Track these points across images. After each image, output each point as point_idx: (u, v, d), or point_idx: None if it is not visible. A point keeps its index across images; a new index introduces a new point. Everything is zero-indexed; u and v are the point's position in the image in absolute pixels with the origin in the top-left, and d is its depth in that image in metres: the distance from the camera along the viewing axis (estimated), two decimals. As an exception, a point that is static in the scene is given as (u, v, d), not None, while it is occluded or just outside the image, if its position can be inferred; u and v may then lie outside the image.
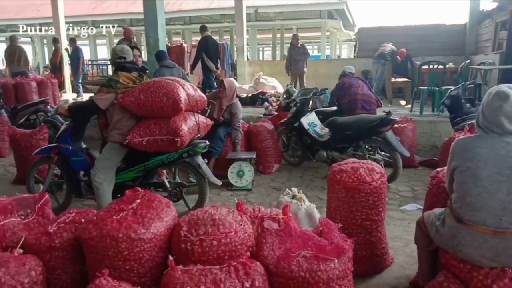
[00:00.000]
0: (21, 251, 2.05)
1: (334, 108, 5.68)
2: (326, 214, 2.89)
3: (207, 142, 3.83)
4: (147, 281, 1.98)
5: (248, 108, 8.18)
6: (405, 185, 4.84)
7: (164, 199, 2.29)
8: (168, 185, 3.85)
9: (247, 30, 14.08)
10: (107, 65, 18.09)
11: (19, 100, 8.38)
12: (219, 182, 3.95)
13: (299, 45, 10.23)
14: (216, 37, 20.35)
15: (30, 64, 10.63)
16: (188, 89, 3.58)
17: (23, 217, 2.54)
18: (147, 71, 4.16)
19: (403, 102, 9.26)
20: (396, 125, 5.13)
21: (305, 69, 10.33)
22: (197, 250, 1.92)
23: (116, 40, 24.98)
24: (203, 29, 8.46)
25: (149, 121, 3.44)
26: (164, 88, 3.37)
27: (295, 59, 10.16)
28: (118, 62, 3.73)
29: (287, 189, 2.80)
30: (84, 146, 4.01)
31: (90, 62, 17.02)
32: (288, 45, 11.91)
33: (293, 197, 2.71)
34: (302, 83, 10.23)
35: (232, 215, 2.10)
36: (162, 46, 7.28)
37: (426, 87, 7.56)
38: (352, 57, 21.69)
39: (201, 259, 1.91)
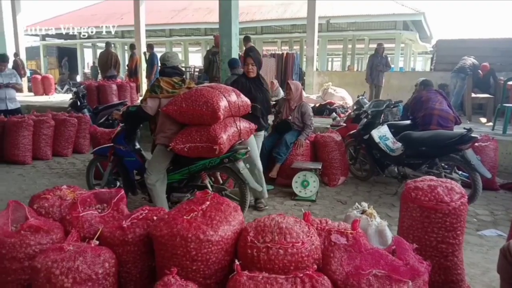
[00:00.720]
0: (97, 242, 2.15)
1: (408, 122, 5.42)
2: (397, 233, 2.73)
3: (248, 148, 3.88)
4: (212, 283, 1.99)
5: (315, 118, 8.06)
6: (484, 208, 4.47)
7: (232, 203, 2.30)
8: (210, 189, 3.93)
9: (318, 40, 13.98)
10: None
11: (100, 101, 9.03)
12: (260, 188, 4.04)
13: (383, 55, 9.89)
14: (285, 47, 20.53)
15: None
16: (229, 96, 3.62)
17: (99, 211, 2.69)
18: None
19: (483, 120, 8.62)
20: (476, 144, 4.77)
21: (383, 81, 10.00)
22: (263, 257, 1.90)
23: (191, 48, 26.16)
24: (247, 39, 8.65)
25: (191, 128, 3.53)
26: (204, 96, 3.43)
27: (376, 69, 9.83)
28: (161, 68, 3.92)
29: (356, 204, 2.68)
30: (137, 147, 4.23)
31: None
32: (360, 56, 11.63)
33: (363, 212, 2.58)
34: (378, 94, 9.88)
35: (299, 225, 2.05)
36: (235, 54, 7.46)
37: (511, 105, 6.97)
38: (427, 70, 20.66)
39: (266, 267, 1.88)
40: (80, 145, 7.13)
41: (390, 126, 5.21)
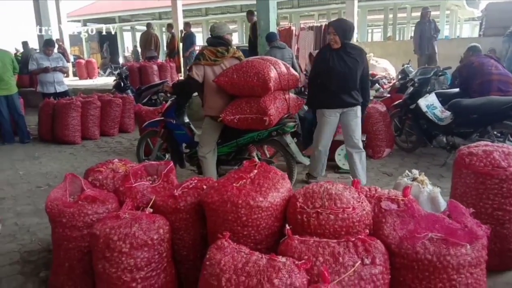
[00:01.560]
0: (151, 210, 2.23)
1: (457, 90, 5.16)
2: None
3: (297, 121, 3.85)
4: (262, 249, 2.02)
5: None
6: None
7: (279, 171, 2.30)
8: (258, 161, 3.94)
9: (357, 10, 13.47)
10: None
11: (142, 82, 9.24)
12: (307, 162, 4.03)
13: (430, 20, 9.06)
14: (323, 20, 19.98)
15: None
16: (280, 68, 3.59)
17: (151, 182, 2.78)
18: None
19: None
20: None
21: (435, 48, 9.14)
22: (313, 222, 1.89)
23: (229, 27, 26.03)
24: (250, 13, 8.68)
25: (241, 100, 3.55)
26: (255, 67, 3.42)
27: (425, 36, 8.97)
28: (208, 38, 3.94)
29: (407, 171, 2.61)
30: (187, 121, 4.32)
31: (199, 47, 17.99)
32: (401, 25, 11.08)
33: (414, 179, 2.51)
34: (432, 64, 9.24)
35: (349, 192, 2.02)
36: (273, 28, 7.34)
37: None
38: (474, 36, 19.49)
39: (316, 232, 1.88)
40: (125, 125, 7.37)
41: (438, 95, 4.99)
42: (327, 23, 11.51)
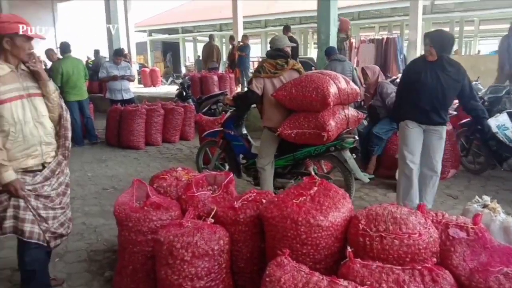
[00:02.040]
0: (212, 220, 2.29)
1: (532, 110, 4.80)
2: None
3: (356, 137, 3.78)
4: (321, 268, 1.99)
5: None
6: None
7: (340, 190, 2.27)
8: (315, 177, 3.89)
9: (421, 23, 13.01)
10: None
11: (203, 92, 9.53)
12: (366, 179, 3.89)
13: None
14: (384, 32, 19.51)
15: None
16: (339, 82, 3.54)
17: (211, 192, 2.86)
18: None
19: None
20: None
21: None
22: (376, 246, 1.84)
23: (284, 38, 26.19)
24: (286, 29, 9.04)
25: (299, 114, 3.53)
26: (314, 82, 3.40)
27: None
28: (268, 51, 3.97)
29: (477, 197, 2.46)
30: (244, 132, 4.39)
31: (258, 59, 18.21)
32: (468, 39, 10.46)
33: (484, 206, 2.36)
34: None
35: (414, 216, 1.95)
36: (333, 42, 7.29)
37: None
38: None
39: (379, 256, 1.83)
40: (186, 133, 7.63)
41: (510, 115, 4.67)
42: (389, 35, 11.27)
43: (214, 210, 2.35)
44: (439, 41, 3.43)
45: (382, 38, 11.98)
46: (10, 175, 2.24)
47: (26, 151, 2.34)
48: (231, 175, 2.92)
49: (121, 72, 7.45)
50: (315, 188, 2.22)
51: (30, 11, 16.75)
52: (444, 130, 3.65)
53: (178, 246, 2.08)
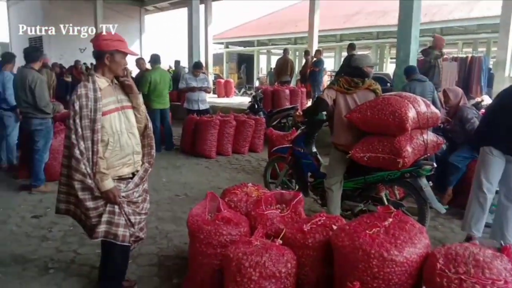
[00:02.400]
0: (281, 242, 2.30)
1: None
2: None
3: (434, 164, 3.57)
4: (391, 305, 1.92)
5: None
6: None
7: (417, 223, 2.17)
8: (386, 202, 3.75)
9: (512, 41, 12.03)
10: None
11: (274, 105, 9.64)
12: (443, 210, 3.64)
13: None
14: (468, 49, 18.37)
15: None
16: (419, 106, 3.35)
17: (279, 210, 2.88)
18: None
19: None
20: None
21: None
22: (455, 289, 1.73)
23: (359, 52, 25.75)
24: (351, 47, 9.36)
25: (373, 138, 3.41)
26: (392, 106, 3.25)
27: None
28: (346, 67, 3.87)
29: None
30: (314, 150, 4.35)
31: (330, 73, 18.04)
32: None
33: None
34: None
35: (500, 261, 1.80)
36: (413, 60, 7.00)
37: None
38: None
39: (457, 301, 1.72)
40: (255, 145, 7.76)
41: None
42: (473, 54, 10.58)
43: (283, 232, 2.36)
44: None
45: (467, 57, 11.30)
46: (109, 183, 2.43)
47: (122, 160, 2.53)
48: (300, 195, 2.93)
49: (199, 83, 7.81)
50: (390, 220, 2.15)
51: (120, 23, 18.23)
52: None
53: (246, 265, 2.12)
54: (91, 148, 2.37)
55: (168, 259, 3.41)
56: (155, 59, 7.64)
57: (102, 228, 2.48)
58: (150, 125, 2.75)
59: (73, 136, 2.34)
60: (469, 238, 3.62)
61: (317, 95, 4.06)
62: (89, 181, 2.38)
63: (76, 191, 2.40)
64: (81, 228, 2.79)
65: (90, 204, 2.45)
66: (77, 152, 2.33)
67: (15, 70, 5.60)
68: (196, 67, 8.00)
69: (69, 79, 10.77)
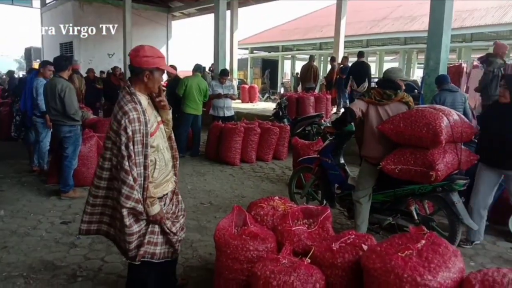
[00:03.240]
0: (309, 260, 2.26)
1: None
2: None
3: (468, 179, 3.48)
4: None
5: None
6: None
7: (451, 246, 2.09)
8: (416, 217, 3.67)
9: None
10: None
11: (299, 112, 9.58)
12: (476, 227, 3.61)
13: None
14: (501, 56, 17.76)
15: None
16: (453, 119, 3.28)
17: (307, 226, 2.84)
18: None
19: None
20: None
21: None
22: (493, 320, 1.66)
23: (386, 57, 25.39)
24: (360, 55, 10.04)
25: (405, 150, 3.36)
26: (426, 118, 3.21)
27: None
28: (379, 80, 3.89)
29: None
30: (342, 161, 4.29)
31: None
32: None
33: None
34: None
35: (541, 290, 1.71)
36: (443, 69, 6.83)
37: None
38: None
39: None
40: (279, 152, 7.72)
41: None
42: (507, 60, 10.23)
43: (312, 250, 2.32)
44: None
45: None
46: (158, 207, 2.40)
47: (167, 177, 2.53)
48: (329, 211, 2.87)
49: (225, 90, 7.88)
50: (423, 242, 2.08)
51: (148, 29, 18.60)
52: None
53: (274, 284, 2.09)
54: (143, 174, 2.30)
55: (193, 270, 3.41)
56: (197, 68, 7.91)
57: (143, 249, 2.43)
58: (173, 136, 2.74)
59: (127, 163, 2.23)
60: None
61: (347, 105, 4.01)
62: (140, 206, 2.32)
63: (123, 218, 2.31)
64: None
65: (134, 228, 2.37)
66: (130, 179, 2.24)
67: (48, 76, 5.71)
68: (223, 74, 8.05)
69: (100, 86, 11.00)
